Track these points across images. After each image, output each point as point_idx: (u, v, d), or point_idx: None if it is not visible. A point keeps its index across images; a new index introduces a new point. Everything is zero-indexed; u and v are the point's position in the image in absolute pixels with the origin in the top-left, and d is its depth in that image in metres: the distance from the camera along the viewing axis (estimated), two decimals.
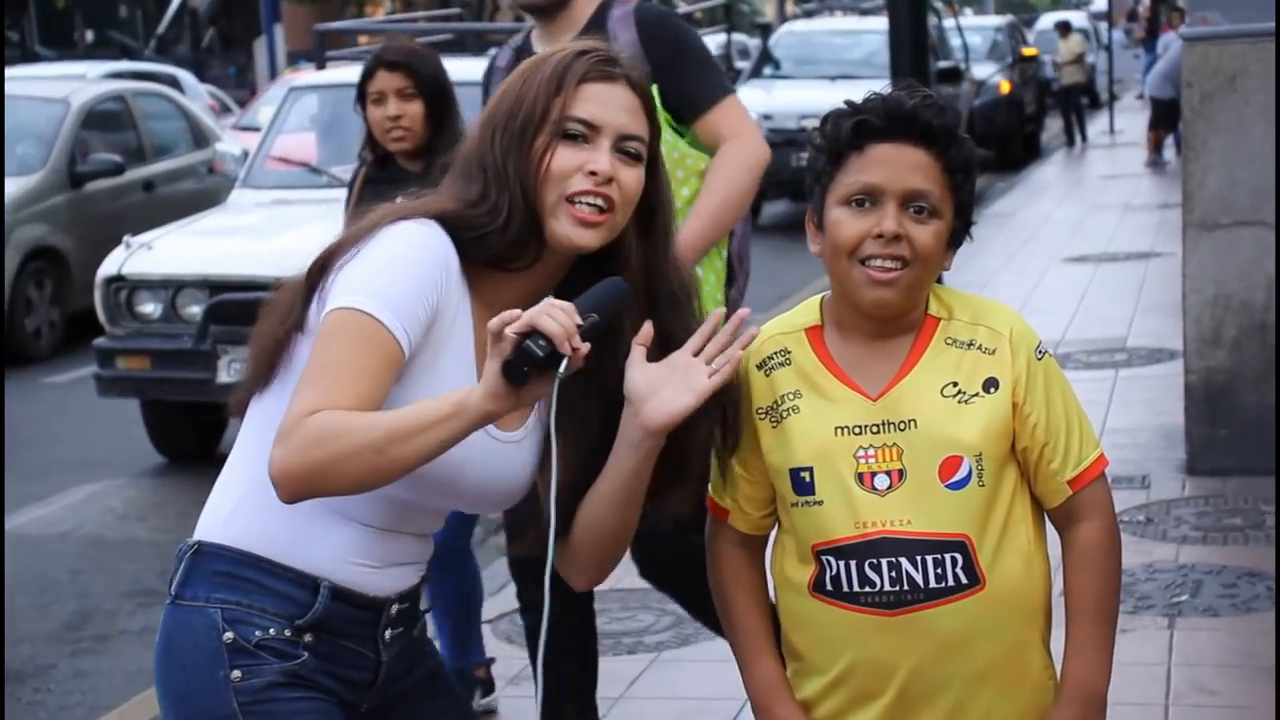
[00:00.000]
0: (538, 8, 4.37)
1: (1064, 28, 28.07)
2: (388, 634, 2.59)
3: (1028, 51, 26.63)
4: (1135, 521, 6.67)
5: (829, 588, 2.58)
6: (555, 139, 2.50)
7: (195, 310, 8.75)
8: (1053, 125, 28.86)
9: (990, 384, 2.58)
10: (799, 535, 2.62)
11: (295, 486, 2.34)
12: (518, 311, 2.28)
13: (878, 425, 2.56)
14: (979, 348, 2.60)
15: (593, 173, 2.48)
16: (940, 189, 2.55)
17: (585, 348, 2.29)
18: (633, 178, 2.52)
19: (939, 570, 2.54)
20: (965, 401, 2.57)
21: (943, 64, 19.23)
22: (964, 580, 2.54)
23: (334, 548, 2.51)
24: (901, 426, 2.56)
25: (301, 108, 10.60)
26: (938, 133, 2.55)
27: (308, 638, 2.51)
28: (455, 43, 13.38)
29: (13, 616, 6.89)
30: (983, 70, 23.57)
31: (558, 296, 2.44)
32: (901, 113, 2.55)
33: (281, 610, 2.50)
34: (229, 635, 2.48)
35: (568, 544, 2.63)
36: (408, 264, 2.44)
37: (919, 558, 2.54)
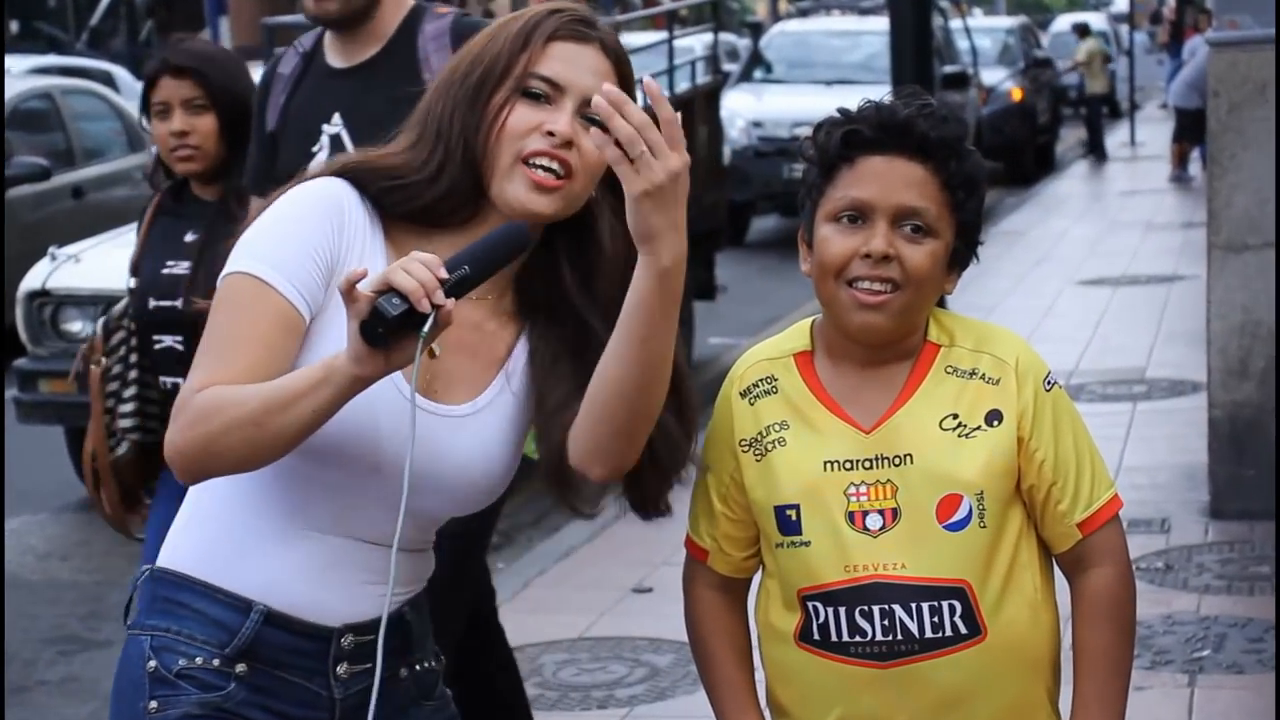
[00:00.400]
0: (333, 20, 4.24)
1: (1082, 30, 28.21)
2: (341, 669, 2.55)
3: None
4: (1153, 569, 6.69)
5: (816, 637, 2.58)
6: (515, 95, 2.50)
7: None
8: (1068, 136, 28.98)
9: (993, 417, 2.58)
10: (785, 579, 2.62)
11: (186, 465, 2.41)
12: (366, 268, 2.30)
13: (870, 460, 2.56)
14: (982, 377, 2.59)
15: (550, 133, 2.48)
16: (937, 206, 2.56)
17: (450, 304, 2.28)
18: (592, 145, 2.46)
19: (935, 619, 2.53)
20: (966, 435, 2.56)
21: (949, 68, 19.30)
22: (963, 630, 2.54)
23: (272, 562, 2.51)
24: (896, 462, 2.56)
25: None
26: (935, 145, 2.56)
27: (240, 668, 2.50)
28: None
29: None
30: (992, 76, 23.66)
31: (524, 267, 2.51)
32: (895, 123, 2.56)
33: (211, 638, 2.50)
34: (152, 664, 2.51)
35: (582, 430, 2.52)
36: (293, 221, 2.48)
37: (914, 605, 2.53)
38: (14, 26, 38.85)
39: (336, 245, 2.47)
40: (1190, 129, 19.86)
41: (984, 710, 2.58)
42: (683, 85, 13.49)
